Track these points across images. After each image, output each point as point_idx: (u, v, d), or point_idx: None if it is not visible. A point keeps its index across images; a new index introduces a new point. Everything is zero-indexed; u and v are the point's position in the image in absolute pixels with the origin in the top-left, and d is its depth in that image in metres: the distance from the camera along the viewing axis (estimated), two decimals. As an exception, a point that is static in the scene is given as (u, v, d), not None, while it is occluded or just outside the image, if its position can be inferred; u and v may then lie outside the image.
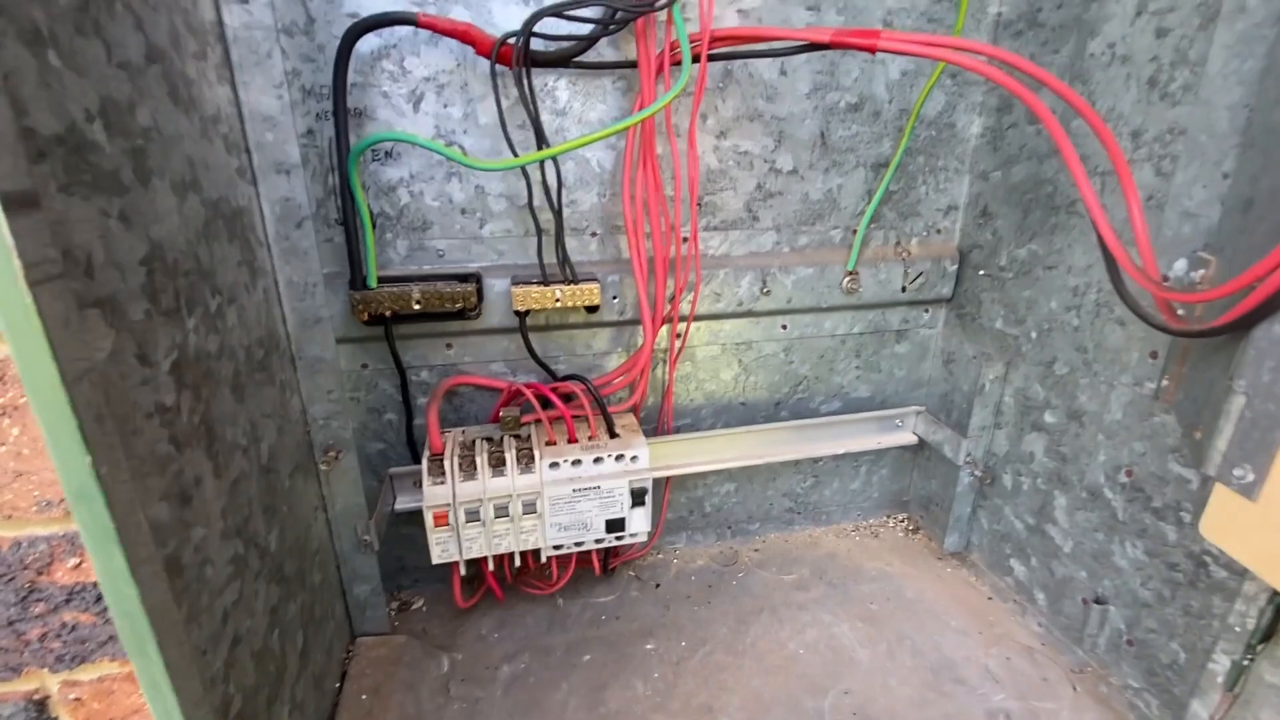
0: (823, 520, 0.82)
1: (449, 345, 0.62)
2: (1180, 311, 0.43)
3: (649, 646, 0.64)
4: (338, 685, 0.55)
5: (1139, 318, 0.44)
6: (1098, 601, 0.59)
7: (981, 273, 0.69)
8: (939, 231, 0.71)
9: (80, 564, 0.44)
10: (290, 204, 0.46)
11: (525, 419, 0.61)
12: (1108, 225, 0.43)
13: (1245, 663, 0.45)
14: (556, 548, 0.61)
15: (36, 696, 0.46)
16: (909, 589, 0.72)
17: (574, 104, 0.58)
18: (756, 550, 0.78)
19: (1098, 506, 0.58)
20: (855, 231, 0.68)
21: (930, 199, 0.70)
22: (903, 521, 0.84)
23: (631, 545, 0.73)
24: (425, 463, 0.56)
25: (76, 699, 0.46)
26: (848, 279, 0.68)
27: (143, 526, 0.25)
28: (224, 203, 0.39)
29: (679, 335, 0.65)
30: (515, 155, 0.55)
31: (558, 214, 0.56)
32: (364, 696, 0.53)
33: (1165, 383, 0.49)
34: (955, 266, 0.72)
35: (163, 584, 0.26)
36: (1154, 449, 0.52)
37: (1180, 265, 0.48)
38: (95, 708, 0.47)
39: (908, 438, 0.76)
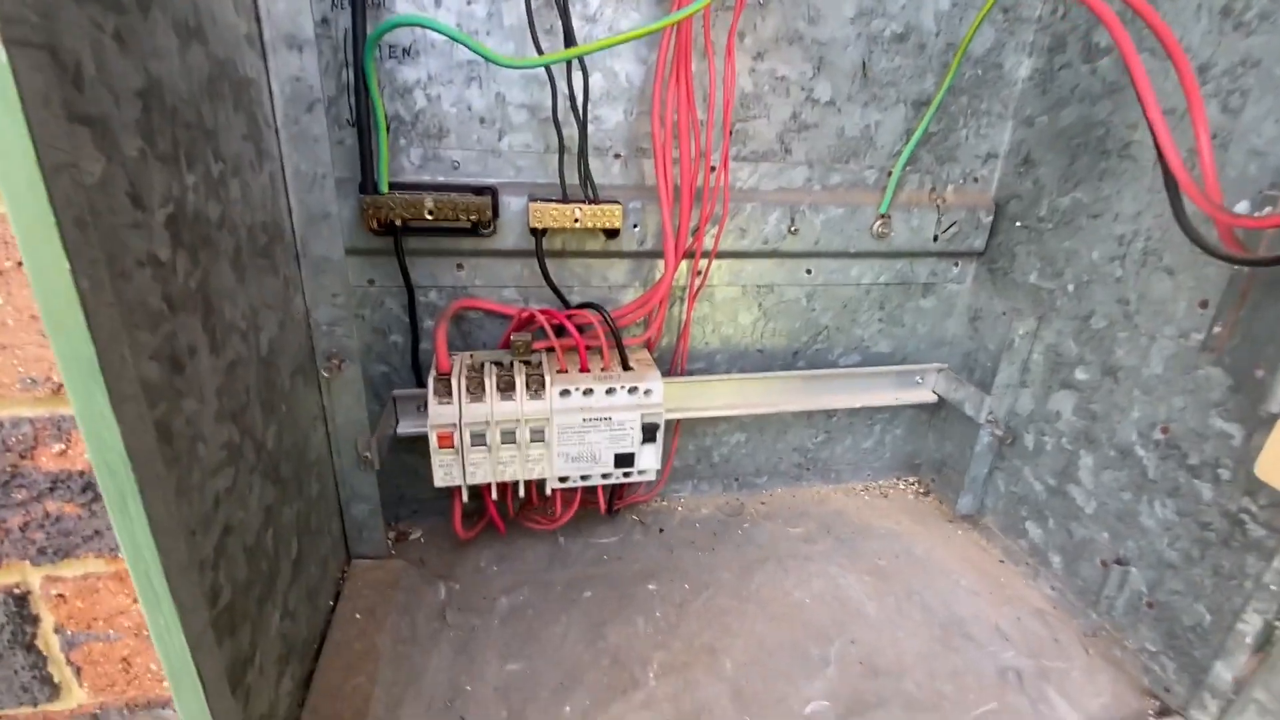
0: (831, 478, 0.80)
1: (460, 266, 0.59)
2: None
3: (651, 587, 0.62)
4: (331, 604, 0.53)
5: (1200, 248, 0.42)
6: (1118, 563, 0.57)
7: (1019, 224, 0.66)
8: (976, 180, 0.68)
9: (66, 450, 0.42)
10: (301, 84, 0.43)
11: (537, 345, 0.58)
12: (1173, 147, 0.40)
13: (1278, 623, 0.43)
14: (562, 480, 0.59)
15: (17, 590, 0.44)
16: (918, 548, 0.70)
17: (605, 10, 0.54)
18: (763, 504, 0.77)
19: (1127, 465, 0.56)
20: (890, 173, 0.65)
21: (970, 144, 0.67)
22: (913, 484, 0.82)
23: (637, 486, 0.71)
24: (431, 381, 0.53)
25: (59, 595, 0.44)
26: (879, 223, 0.65)
27: (128, 367, 0.23)
28: (230, 66, 0.36)
29: (699, 272, 0.62)
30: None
31: (582, 126, 0.53)
32: (358, 616, 0.52)
33: (1217, 330, 0.47)
34: (990, 218, 0.68)
35: (149, 437, 0.24)
36: (1195, 404, 0.50)
37: (1243, 206, 0.46)
38: (78, 605, 0.45)
39: (926, 395, 0.74)
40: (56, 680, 0.46)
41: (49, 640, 0.45)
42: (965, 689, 0.53)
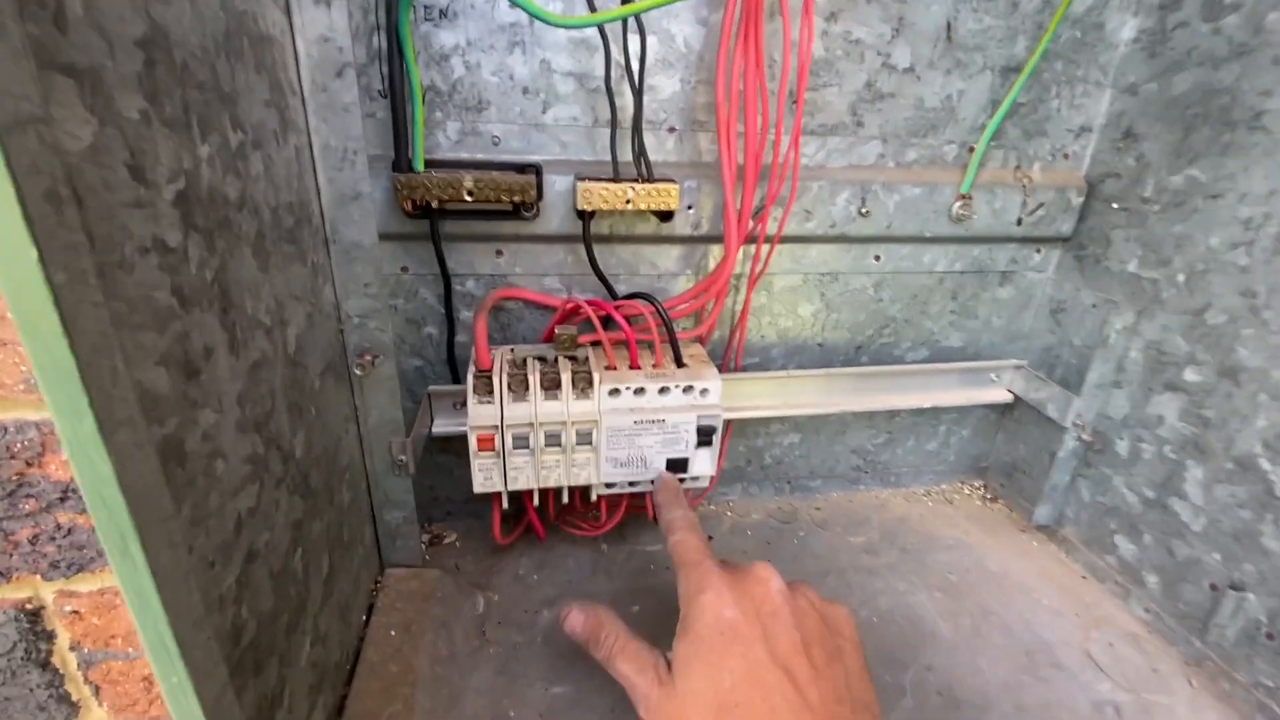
0: (891, 481, 0.75)
1: (499, 252, 0.55)
2: None
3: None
4: (365, 618, 0.49)
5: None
6: (1233, 588, 0.51)
7: (1116, 206, 0.59)
8: (1066, 157, 0.61)
9: (77, 457, 0.38)
10: (330, 45, 0.38)
11: (582, 339, 0.53)
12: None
13: None
14: (609, 486, 0.54)
15: (29, 606, 0.40)
16: (991, 561, 0.64)
17: (664, -36, 0.48)
18: (818, 509, 0.71)
19: (1248, 480, 0.49)
20: (973, 149, 0.58)
21: (1062, 116, 0.60)
22: (979, 489, 0.76)
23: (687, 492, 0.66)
24: (470, 378, 0.49)
25: (74, 612, 0.41)
26: (959, 204, 0.59)
27: (121, 381, 0.18)
28: (249, 19, 0.31)
29: (759, 259, 0.57)
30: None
31: (638, 94, 0.48)
32: (393, 632, 0.48)
33: (1385, 329, 0.40)
34: (1081, 199, 0.62)
35: (152, 466, 0.20)
36: (1343, 413, 0.43)
37: None
38: (95, 623, 0.42)
39: (1001, 395, 0.67)
40: (75, 699, 0.43)
41: (65, 657, 0.42)
42: (1059, 726, 0.48)
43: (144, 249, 0.22)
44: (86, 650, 0.41)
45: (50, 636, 0.40)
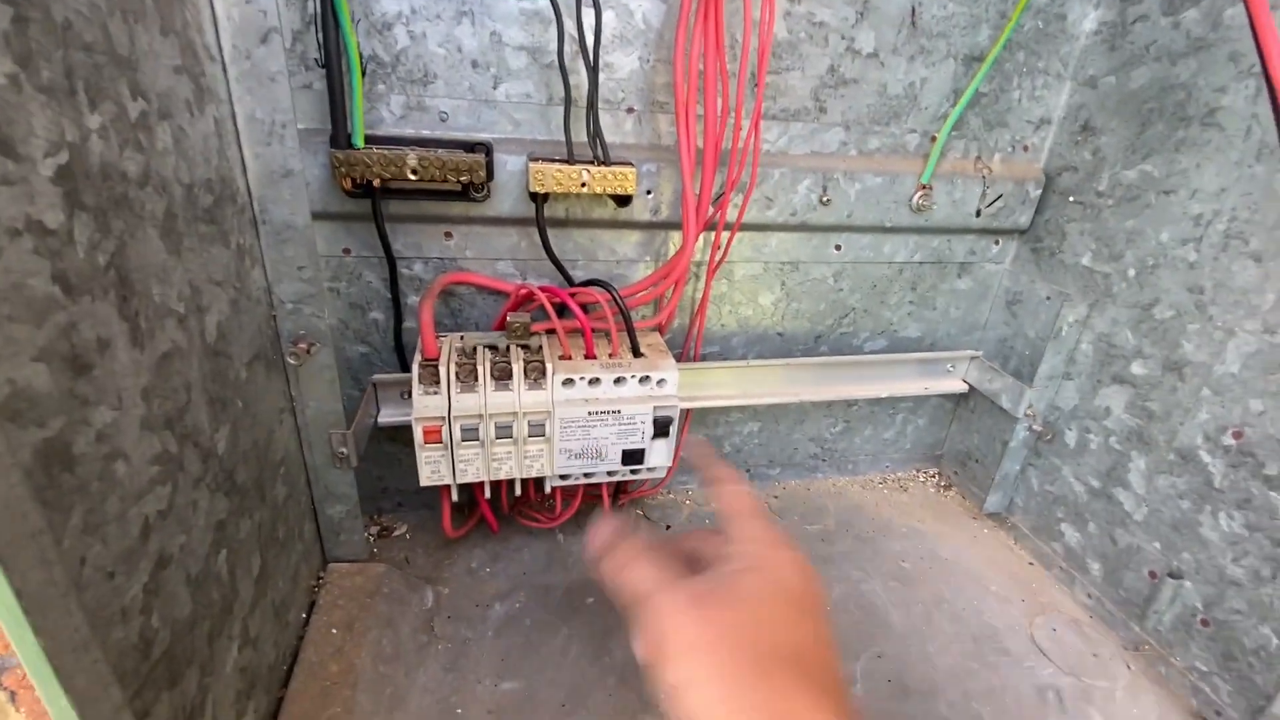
0: (848, 470, 0.75)
1: (448, 235, 0.52)
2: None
3: (659, 593, 0.57)
4: (304, 616, 0.47)
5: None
6: (1171, 575, 0.52)
7: (1072, 199, 0.60)
8: (1025, 149, 0.61)
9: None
10: (253, 8, 0.35)
11: (536, 327, 0.51)
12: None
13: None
14: (563, 478, 0.53)
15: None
16: (944, 549, 0.65)
17: (621, -66, 0.46)
18: (776, 497, 0.71)
19: (1188, 471, 0.50)
20: (935, 138, 0.58)
21: (1023, 108, 0.59)
22: (933, 476, 0.77)
23: (643, 481, 0.65)
24: (416, 368, 0.47)
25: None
26: (920, 194, 0.58)
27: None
28: (153, -24, 0.28)
29: (720, 246, 0.55)
30: (545, -9, 0.44)
31: (593, 72, 0.46)
32: (334, 630, 0.46)
33: (1321, 328, 0.41)
34: (1039, 192, 0.62)
35: (10, 479, 0.17)
36: (1277, 408, 0.44)
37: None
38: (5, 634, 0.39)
39: (957, 385, 0.68)
40: (-16, 708, 0.41)
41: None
42: (1003, 711, 0.49)
43: (14, 231, 0.20)
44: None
45: (-48, 644, 0.38)
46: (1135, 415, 0.54)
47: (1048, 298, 0.62)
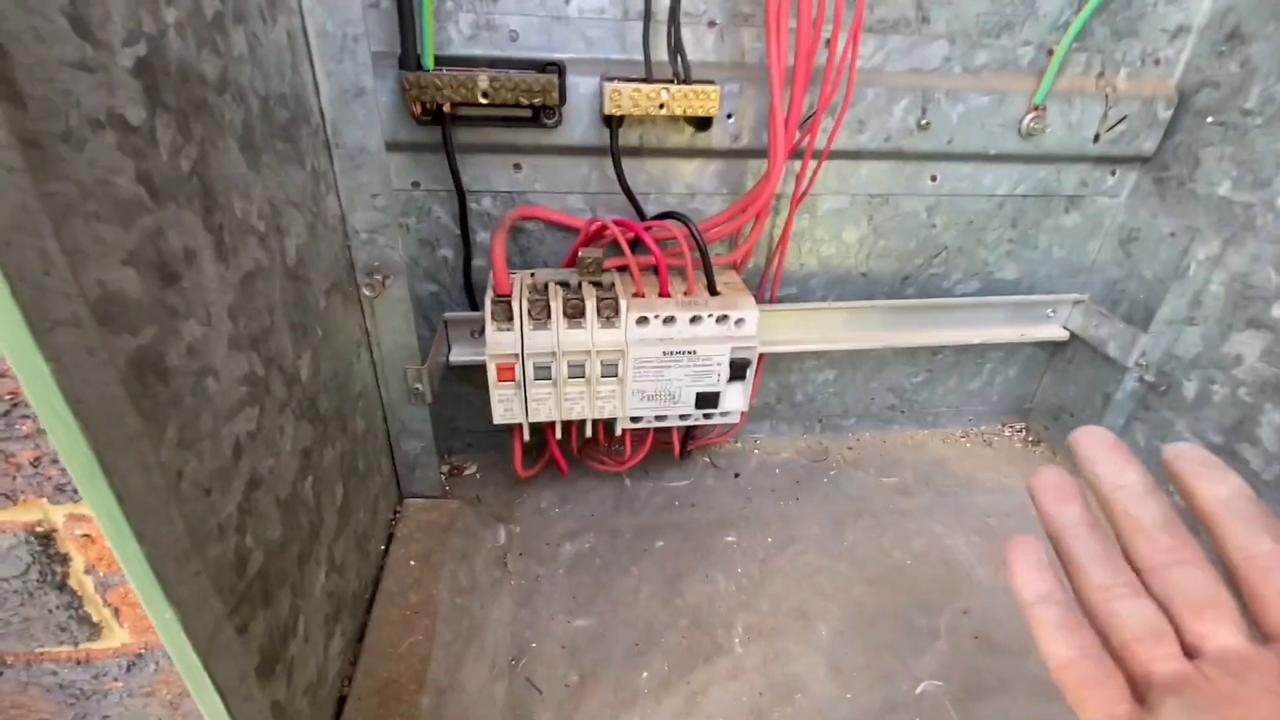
0: (928, 422, 0.71)
1: (517, 166, 0.50)
2: None
3: (730, 539, 0.56)
4: (384, 548, 0.48)
5: None
6: (1305, 541, 0.47)
7: (1211, 120, 0.52)
8: (1158, 63, 0.54)
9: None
10: (321, -93, 0.32)
11: (609, 264, 0.49)
12: None
13: None
14: (634, 420, 0.51)
15: (40, 529, 0.39)
16: (1032, 505, 0.61)
17: None
18: (850, 449, 0.68)
19: (1337, 427, 0.45)
20: (1052, 51, 0.51)
21: (1158, 14, 0.52)
22: (1020, 432, 0.72)
23: (712, 427, 0.63)
24: (488, 304, 0.45)
25: (85, 535, 0.40)
26: (1031, 116, 0.52)
27: (57, 267, 0.15)
28: None
29: (804, 176, 0.51)
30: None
31: (676, -22, 0.42)
32: (413, 563, 0.47)
33: None
34: (1169, 113, 0.55)
35: (107, 376, 0.17)
36: None
37: None
38: (108, 546, 0.41)
39: (1056, 332, 0.63)
40: (96, 620, 0.43)
41: (81, 580, 0.41)
42: (1102, 675, 0.46)
43: (97, 123, 0.18)
44: (102, 574, 0.40)
45: (65, 559, 0.40)
46: (1273, 364, 0.49)
47: (1172, 234, 0.55)
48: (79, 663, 0.44)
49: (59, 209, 0.16)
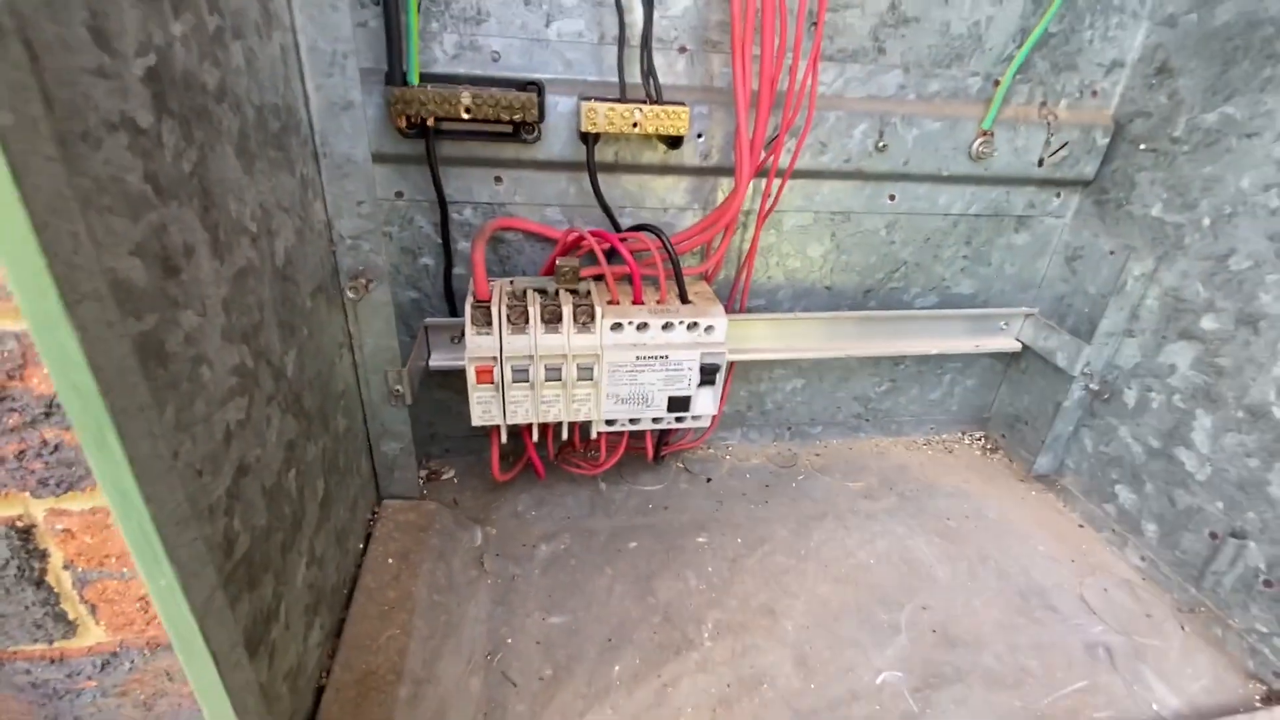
0: (892, 430, 0.74)
1: (498, 179, 0.52)
2: None
3: (701, 540, 0.57)
4: (362, 546, 0.49)
5: None
6: (1234, 536, 0.50)
7: (1143, 147, 0.57)
8: (1094, 94, 0.58)
9: (60, 371, 0.37)
10: (316, -67, 0.35)
11: (584, 273, 0.51)
12: None
13: None
14: (609, 423, 0.53)
15: (20, 524, 0.40)
16: (990, 509, 0.64)
17: None
18: (817, 455, 0.71)
19: (1259, 428, 0.48)
20: (999, 82, 0.56)
21: (1094, 49, 0.57)
22: (979, 440, 0.76)
23: (685, 432, 0.65)
24: (468, 309, 0.47)
25: (66, 530, 0.40)
26: (980, 141, 0.56)
27: (87, 255, 0.17)
28: (226, -109, 0.28)
29: (770, 193, 0.54)
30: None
31: (648, 6, 0.45)
32: (390, 560, 0.48)
33: None
34: (1106, 140, 0.59)
35: (124, 349, 0.18)
36: (1365, 360, 0.42)
37: None
38: (87, 541, 0.41)
39: (1009, 343, 0.66)
40: (71, 617, 0.43)
41: (59, 576, 0.41)
42: (1051, 665, 0.48)
43: (111, 125, 0.20)
44: (80, 569, 0.41)
45: (43, 555, 0.40)
46: (1202, 372, 0.52)
47: (1111, 252, 0.59)
48: (52, 661, 0.44)
49: (81, 200, 0.18)
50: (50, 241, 0.15)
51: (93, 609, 0.43)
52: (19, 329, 0.34)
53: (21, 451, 0.36)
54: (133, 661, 0.45)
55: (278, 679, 0.32)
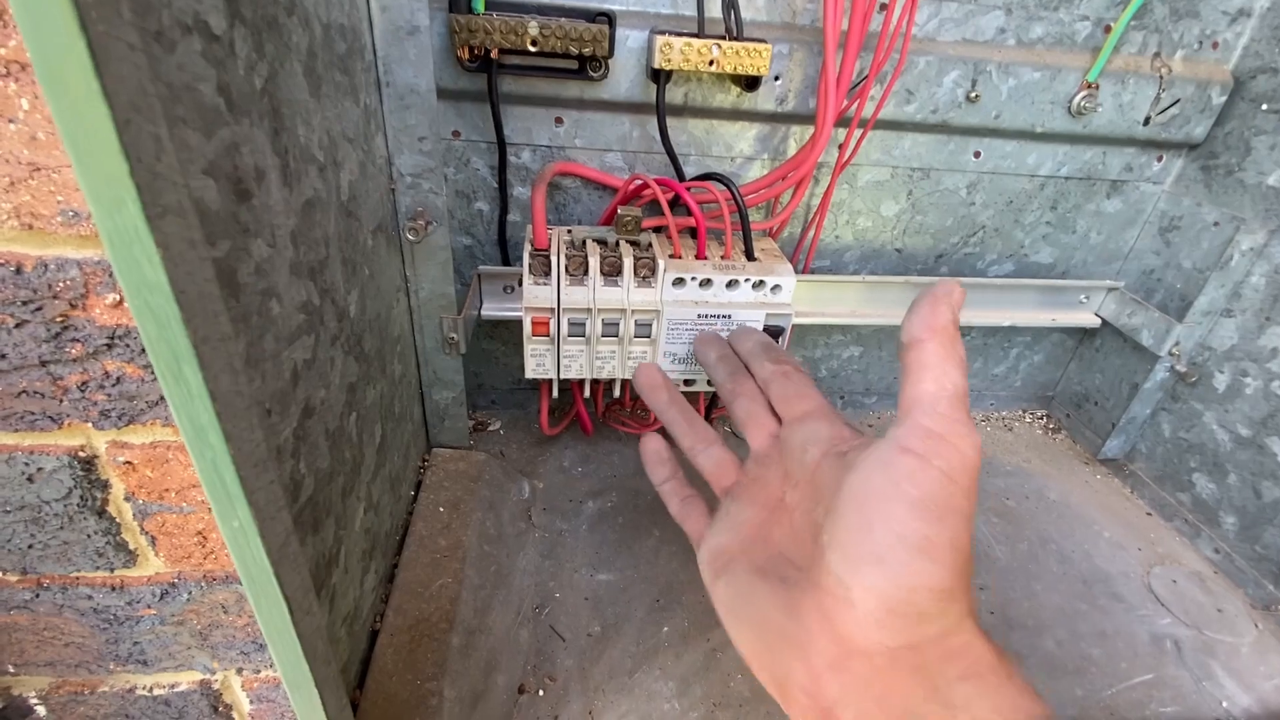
0: (949, 404, 0.71)
1: (559, 120, 0.49)
2: None
3: (750, 507, 0.56)
4: (413, 494, 0.49)
5: None
6: (1328, 535, 0.47)
7: (1265, 107, 0.51)
8: (1215, 46, 0.53)
9: (121, 301, 0.36)
10: None
11: (646, 223, 0.49)
12: None
13: None
14: (664, 382, 0.51)
15: (83, 454, 0.40)
16: (1051, 490, 0.61)
17: None
18: (870, 426, 0.69)
19: (1372, 422, 0.45)
20: (1110, 28, 0.50)
21: (1222, -7, 0.51)
22: (1041, 419, 0.72)
23: (736, 397, 0.63)
24: (526, 257, 0.45)
25: (127, 463, 0.40)
26: (1083, 94, 0.51)
27: (170, 160, 0.15)
28: None
29: (848, 144, 0.50)
30: None
31: (736, -71, 0.41)
32: (442, 509, 0.47)
33: None
34: (1223, 98, 0.53)
35: (206, 273, 0.17)
36: None
37: None
38: (148, 475, 0.41)
39: (1088, 318, 0.62)
40: (132, 547, 0.44)
41: (120, 507, 0.42)
42: (1115, 654, 0.46)
43: (185, 26, 0.18)
44: (141, 501, 0.41)
45: (105, 485, 0.40)
46: (1311, 358, 0.48)
47: (1216, 223, 0.55)
48: (113, 588, 0.45)
49: (160, 101, 0.16)
50: (132, 142, 0.13)
51: (152, 540, 0.44)
52: (81, 256, 0.33)
53: (84, 383, 0.36)
54: (190, 593, 0.46)
55: (338, 623, 0.32)
